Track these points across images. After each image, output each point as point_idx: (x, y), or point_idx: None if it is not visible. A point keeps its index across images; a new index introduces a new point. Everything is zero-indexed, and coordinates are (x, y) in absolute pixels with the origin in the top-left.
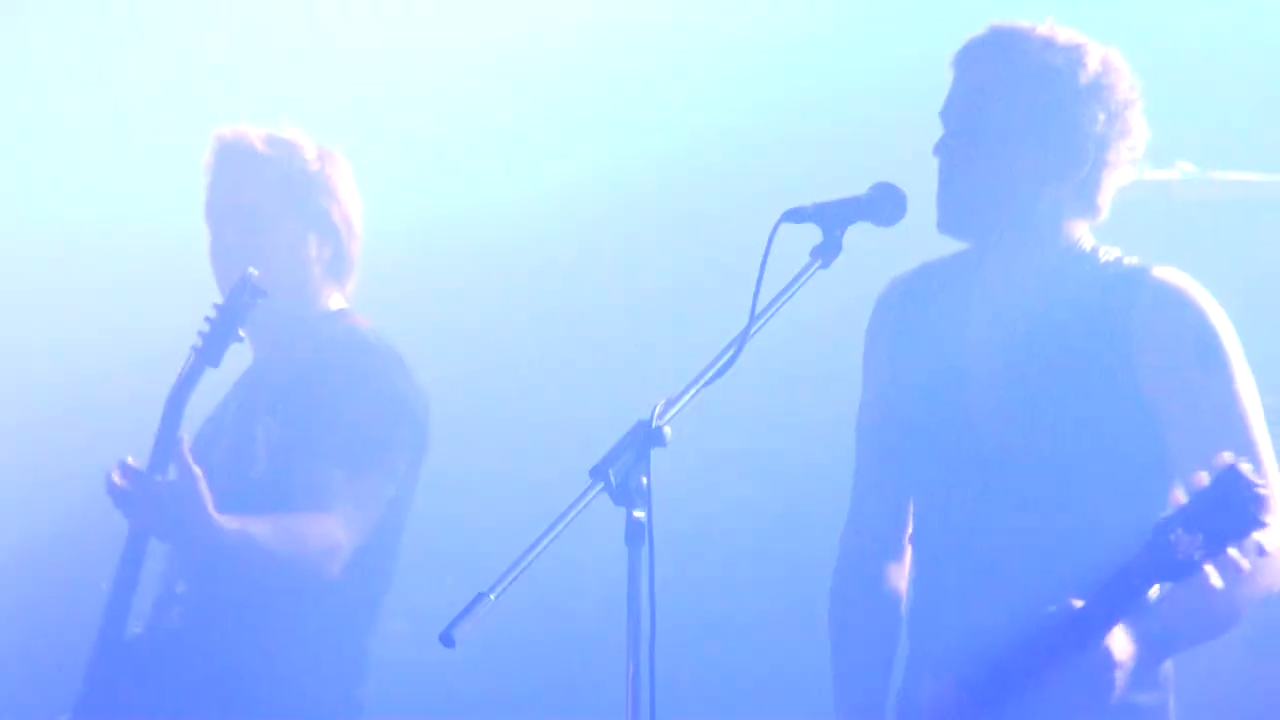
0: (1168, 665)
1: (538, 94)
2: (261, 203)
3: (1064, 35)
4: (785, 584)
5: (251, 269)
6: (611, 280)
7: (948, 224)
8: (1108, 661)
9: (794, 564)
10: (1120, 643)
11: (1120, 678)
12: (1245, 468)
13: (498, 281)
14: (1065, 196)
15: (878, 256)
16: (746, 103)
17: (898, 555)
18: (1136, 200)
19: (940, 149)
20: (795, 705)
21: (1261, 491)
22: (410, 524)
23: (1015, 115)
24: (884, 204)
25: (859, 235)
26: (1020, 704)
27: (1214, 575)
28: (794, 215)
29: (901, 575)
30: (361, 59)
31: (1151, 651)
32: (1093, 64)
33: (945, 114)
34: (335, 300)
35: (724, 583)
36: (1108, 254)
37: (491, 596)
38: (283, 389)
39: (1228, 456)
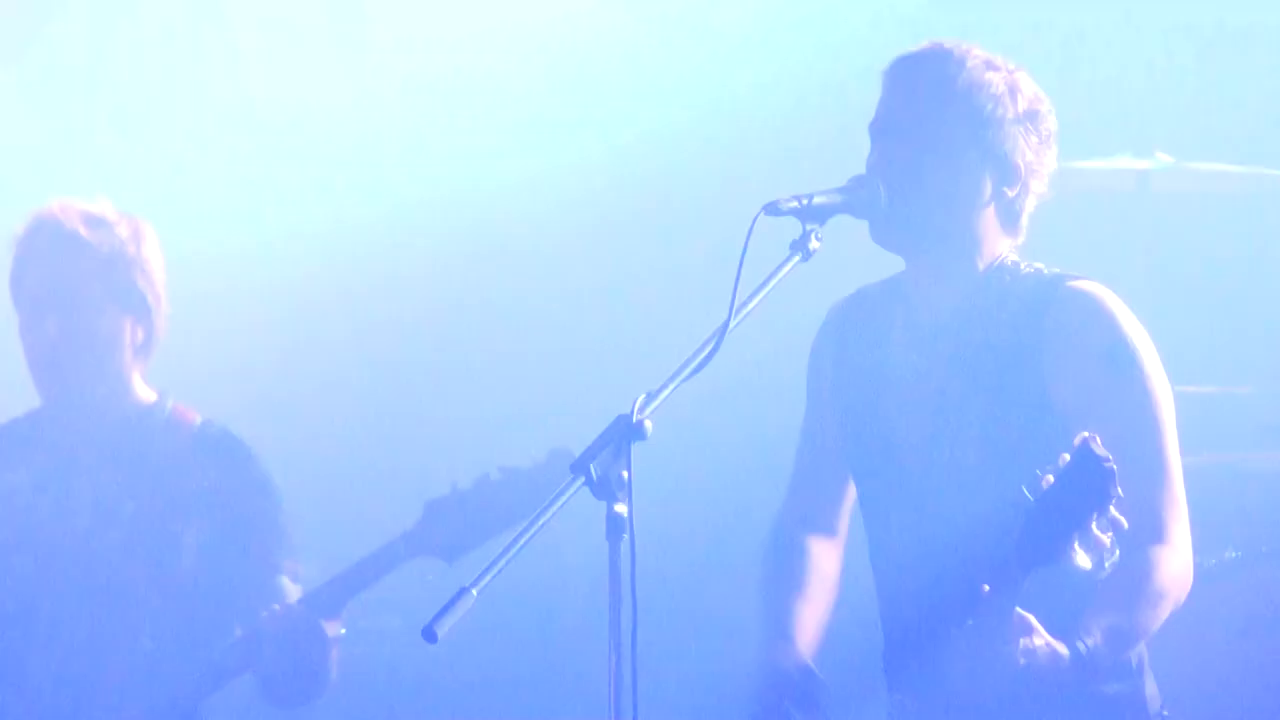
0: (1137, 653)
1: (518, 86)
2: (82, 289)
3: (999, 59)
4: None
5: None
6: (590, 275)
7: (886, 239)
8: (1009, 641)
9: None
10: (1019, 628)
11: (1023, 655)
12: (1095, 444)
13: (476, 278)
14: (995, 217)
15: (861, 249)
16: (724, 96)
17: (829, 534)
18: (1115, 189)
19: (880, 166)
20: None
21: (1109, 466)
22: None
23: (957, 132)
24: (863, 197)
25: (839, 229)
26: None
27: (1080, 555)
28: (772, 208)
29: (830, 556)
30: (354, 52)
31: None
32: (1028, 89)
33: (881, 128)
34: (140, 385)
35: (705, 576)
36: (1029, 268)
37: (473, 591)
38: (197, 495)
39: (1082, 435)
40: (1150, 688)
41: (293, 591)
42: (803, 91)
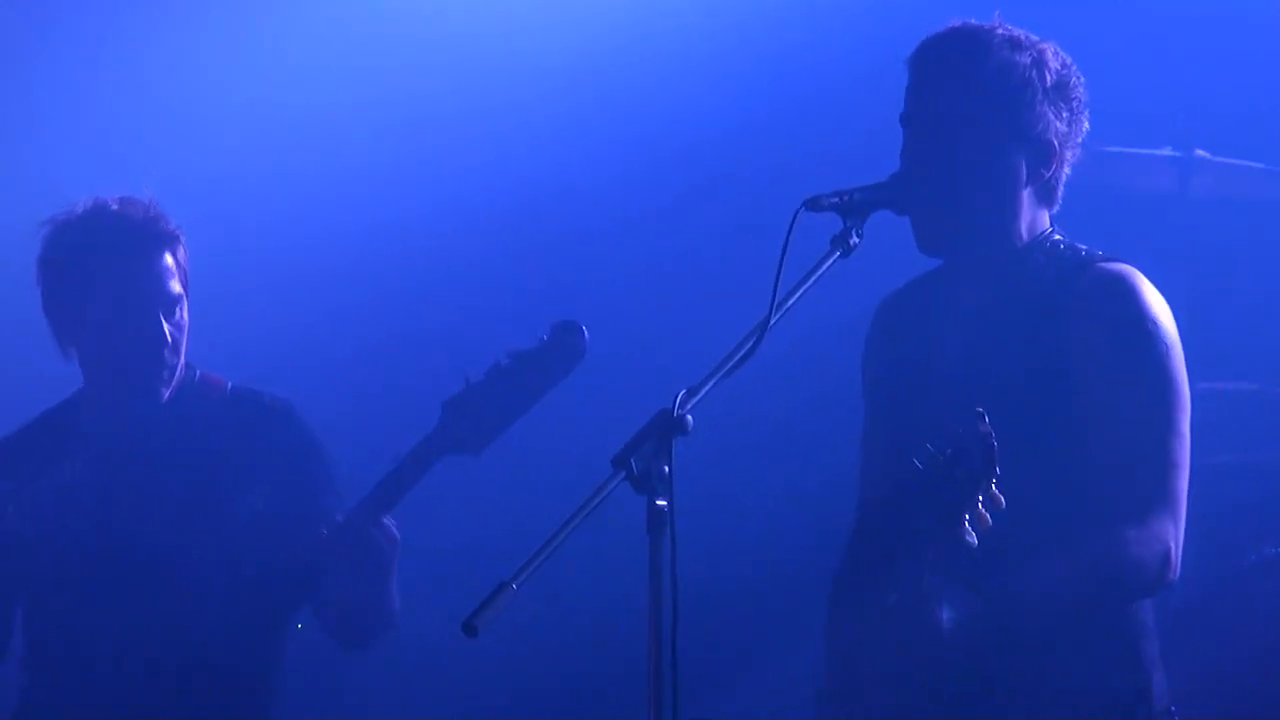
0: (1147, 647)
1: (550, 74)
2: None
3: (1023, 35)
4: (807, 573)
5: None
6: (631, 271)
7: (933, 246)
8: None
9: (816, 552)
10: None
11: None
12: (981, 421)
13: (510, 274)
14: (1032, 195)
15: (902, 247)
16: (764, 87)
17: None
18: (1152, 185)
19: (914, 161)
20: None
21: (992, 442)
22: (441, 521)
23: (990, 120)
24: (903, 193)
25: (881, 226)
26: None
27: (969, 531)
28: (814, 204)
29: None
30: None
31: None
32: (1054, 62)
33: (911, 118)
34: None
35: (746, 572)
36: (1067, 246)
37: (514, 586)
38: (243, 460)
39: (977, 409)
40: (1159, 683)
41: None
42: (840, 81)
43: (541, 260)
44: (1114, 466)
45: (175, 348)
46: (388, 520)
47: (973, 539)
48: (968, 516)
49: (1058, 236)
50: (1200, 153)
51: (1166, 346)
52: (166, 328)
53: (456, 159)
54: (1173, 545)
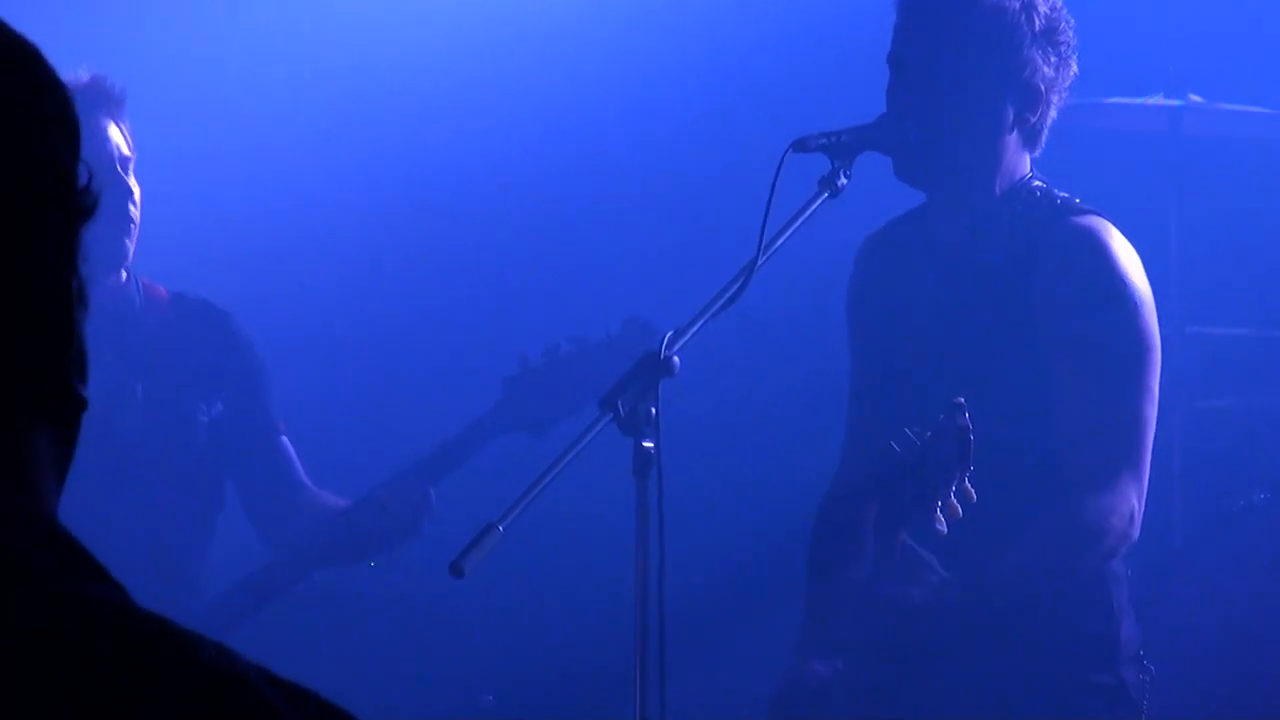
0: (1117, 593)
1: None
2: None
3: None
4: (794, 512)
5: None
6: (615, 208)
7: (909, 174)
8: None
9: (803, 492)
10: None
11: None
12: (960, 414)
13: (504, 212)
14: (1016, 139)
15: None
16: (751, 32)
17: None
18: (1146, 130)
19: (898, 98)
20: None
21: (968, 436)
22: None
23: (977, 64)
24: (890, 133)
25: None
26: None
27: (940, 520)
28: (801, 145)
29: None
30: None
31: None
32: (1043, 7)
33: (899, 62)
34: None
35: (733, 514)
36: (1043, 193)
37: (499, 528)
38: (194, 366)
39: (956, 400)
40: (1127, 630)
41: (291, 451)
42: (826, 23)
43: (531, 199)
44: (1082, 428)
45: (136, 208)
46: (430, 491)
47: (943, 527)
48: (939, 504)
49: (1038, 182)
50: (1194, 98)
51: (1136, 304)
52: (130, 180)
53: (440, 137)
54: (1137, 505)
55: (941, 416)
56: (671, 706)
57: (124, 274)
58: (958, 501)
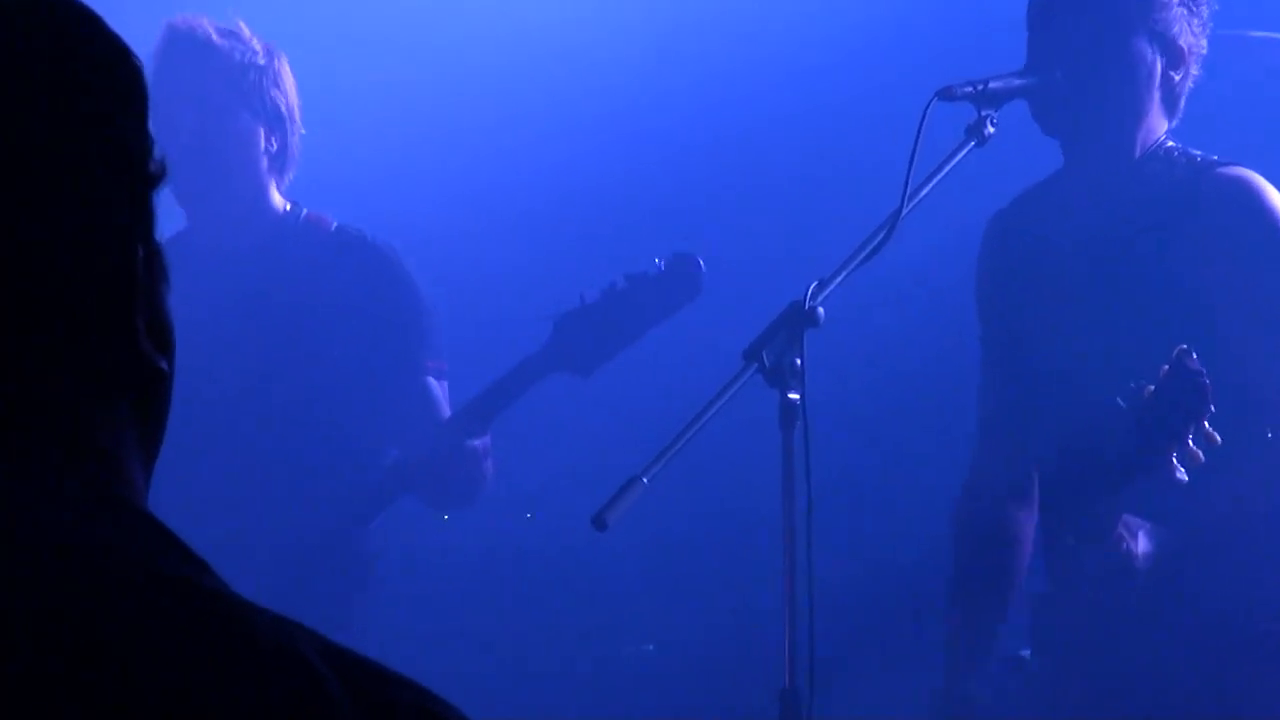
0: None
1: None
2: (215, 91)
3: None
4: (940, 465)
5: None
6: (759, 161)
7: (1055, 122)
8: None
9: (950, 444)
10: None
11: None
12: (1190, 359)
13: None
14: (1159, 99)
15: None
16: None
17: (1030, 495)
18: (1256, 61)
19: (1054, 49)
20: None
21: (1204, 380)
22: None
23: (1131, 17)
24: (1040, 81)
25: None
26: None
27: (1179, 469)
28: (947, 94)
29: (1033, 525)
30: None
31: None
32: None
33: (1049, 9)
34: (276, 195)
35: (879, 462)
36: (1183, 155)
37: (644, 480)
38: (340, 298)
39: (1179, 348)
40: None
41: (439, 392)
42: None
43: (685, 148)
44: (1265, 371)
45: (192, 151)
46: (477, 441)
47: (1183, 476)
48: (1176, 454)
49: (1171, 143)
50: None
51: None
52: (187, 129)
53: (479, 150)
54: None
55: (1166, 366)
56: (818, 670)
57: (288, 205)
58: (1199, 448)
